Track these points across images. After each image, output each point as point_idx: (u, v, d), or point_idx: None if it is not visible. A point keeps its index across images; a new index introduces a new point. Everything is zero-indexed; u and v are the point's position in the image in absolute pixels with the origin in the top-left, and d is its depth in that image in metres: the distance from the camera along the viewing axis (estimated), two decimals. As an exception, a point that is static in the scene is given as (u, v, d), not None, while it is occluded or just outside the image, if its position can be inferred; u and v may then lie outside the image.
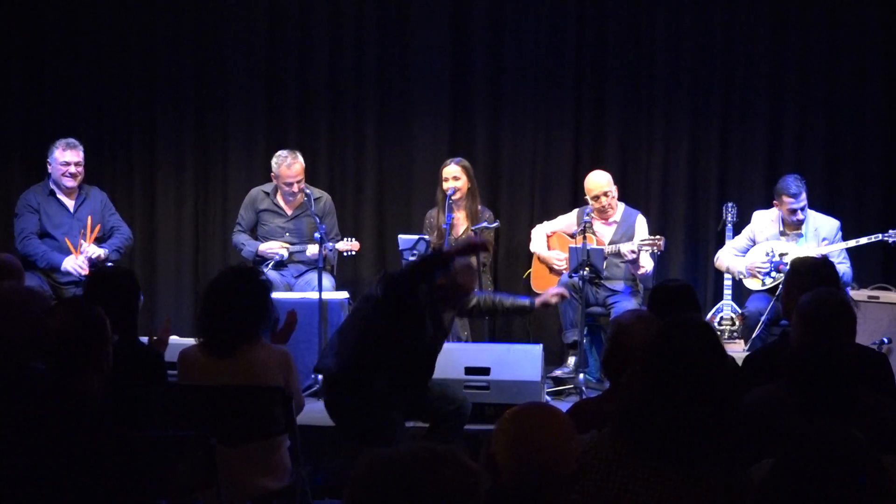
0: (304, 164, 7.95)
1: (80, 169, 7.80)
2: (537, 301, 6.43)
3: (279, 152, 7.99)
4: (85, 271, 7.52)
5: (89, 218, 7.74)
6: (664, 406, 3.08)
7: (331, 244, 7.82)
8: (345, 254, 8.02)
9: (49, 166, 7.79)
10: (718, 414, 3.10)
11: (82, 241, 7.65)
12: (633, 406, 3.15)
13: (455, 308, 5.98)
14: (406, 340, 5.55)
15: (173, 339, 6.14)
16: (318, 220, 7.60)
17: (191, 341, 5.09)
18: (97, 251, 7.66)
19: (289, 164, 7.87)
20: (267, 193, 8.08)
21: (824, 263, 5.26)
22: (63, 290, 7.59)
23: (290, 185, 7.88)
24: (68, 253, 7.61)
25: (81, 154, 7.80)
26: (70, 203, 7.80)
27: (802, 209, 7.66)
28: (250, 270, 5.22)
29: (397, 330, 5.54)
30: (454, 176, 7.92)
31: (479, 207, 8.10)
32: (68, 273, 7.59)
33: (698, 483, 3.04)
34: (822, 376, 3.45)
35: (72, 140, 7.79)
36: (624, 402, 3.22)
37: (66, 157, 7.72)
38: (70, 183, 7.76)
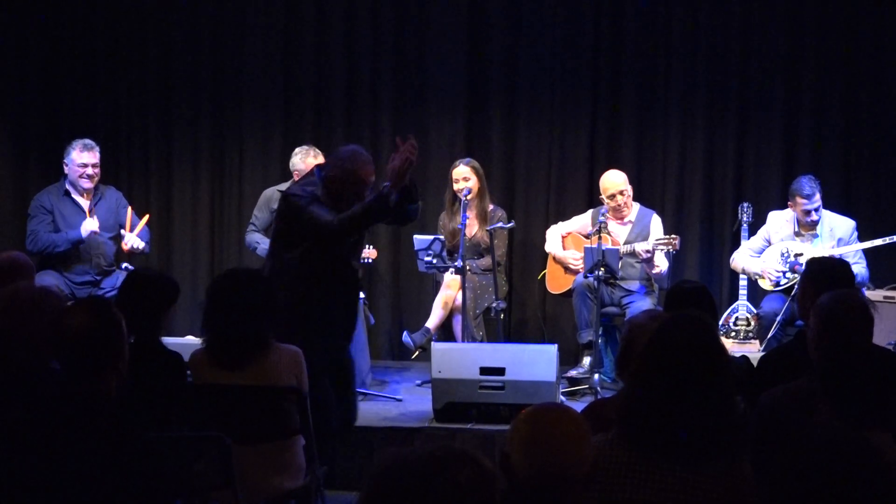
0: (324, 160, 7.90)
1: (97, 170, 7.82)
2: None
3: (297, 149, 8.00)
4: (97, 230, 7.61)
5: (129, 209, 7.83)
6: (662, 404, 3.07)
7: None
8: (362, 261, 8.01)
9: (65, 167, 7.80)
10: (719, 410, 3.09)
11: (124, 231, 7.71)
12: (634, 405, 3.15)
13: (360, 199, 5.55)
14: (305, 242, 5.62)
15: (187, 339, 6.16)
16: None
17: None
18: (139, 243, 7.73)
19: (315, 155, 7.83)
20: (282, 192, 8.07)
21: (840, 264, 5.25)
22: (79, 292, 7.61)
23: None
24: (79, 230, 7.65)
25: (98, 155, 7.81)
26: (85, 203, 7.81)
27: (816, 210, 7.64)
28: (250, 274, 5.08)
29: (283, 237, 5.70)
30: (464, 177, 7.93)
31: (490, 207, 8.11)
32: (94, 253, 7.68)
33: (706, 481, 3.03)
34: (858, 381, 3.41)
35: (89, 141, 7.80)
36: (625, 402, 3.22)
37: (84, 159, 7.74)
38: (87, 184, 7.77)
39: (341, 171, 5.56)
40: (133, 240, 7.71)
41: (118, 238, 7.86)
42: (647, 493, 3.04)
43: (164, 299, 4.83)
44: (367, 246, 8.05)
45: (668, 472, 3.05)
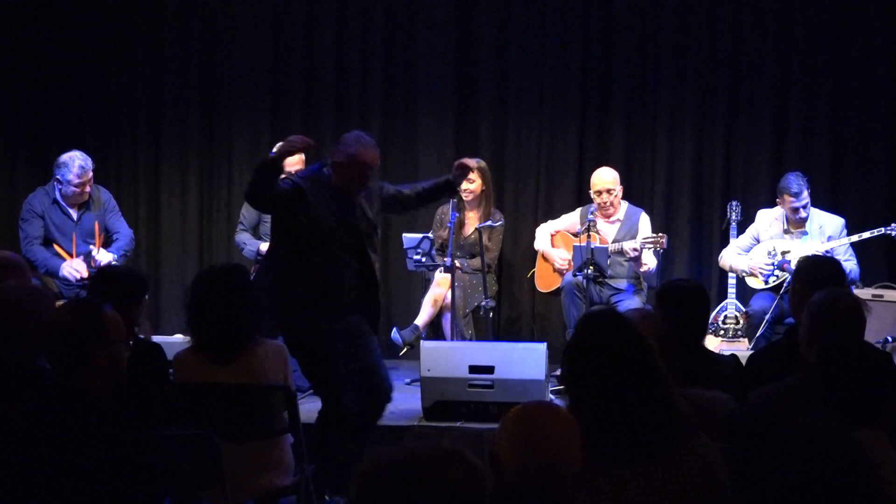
0: (303, 157, 7.83)
1: (91, 184, 7.79)
2: (453, 174, 6.09)
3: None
4: (80, 274, 7.51)
5: (96, 224, 7.73)
6: (598, 407, 3.05)
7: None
8: None
9: (58, 182, 7.70)
10: (655, 397, 3.06)
11: (93, 248, 7.64)
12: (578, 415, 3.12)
13: (365, 185, 5.74)
14: (302, 233, 5.58)
15: (176, 337, 6.16)
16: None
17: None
18: (107, 257, 7.64)
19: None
20: None
21: (830, 262, 5.27)
22: (67, 292, 7.58)
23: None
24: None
25: (91, 168, 7.76)
26: (73, 212, 7.78)
27: (804, 207, 7.65)
28: (231, 269, 5.06)
29: (286, 226, 5.66)
30: (469, 178, 7.92)
31: (492, 210, 8.11)
32: (67, 281, 7.58)
33: (669, 468, 3.01)
34: (852, 380, 3.40)
35: (84, 162, 7.64)
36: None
37: (81, 179, 7.67)
38: (82, 200, 7.76)
39: (345, 157, 5.64)
40: (104, 256, 7.65)
41: (106, 243, 7.81)
42: (627, 497, 3.02)
43: (134, 293, 4.83)
44: None
45: (631, 471, 3.02)
